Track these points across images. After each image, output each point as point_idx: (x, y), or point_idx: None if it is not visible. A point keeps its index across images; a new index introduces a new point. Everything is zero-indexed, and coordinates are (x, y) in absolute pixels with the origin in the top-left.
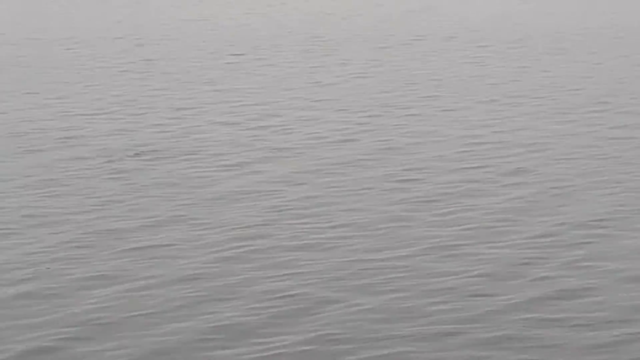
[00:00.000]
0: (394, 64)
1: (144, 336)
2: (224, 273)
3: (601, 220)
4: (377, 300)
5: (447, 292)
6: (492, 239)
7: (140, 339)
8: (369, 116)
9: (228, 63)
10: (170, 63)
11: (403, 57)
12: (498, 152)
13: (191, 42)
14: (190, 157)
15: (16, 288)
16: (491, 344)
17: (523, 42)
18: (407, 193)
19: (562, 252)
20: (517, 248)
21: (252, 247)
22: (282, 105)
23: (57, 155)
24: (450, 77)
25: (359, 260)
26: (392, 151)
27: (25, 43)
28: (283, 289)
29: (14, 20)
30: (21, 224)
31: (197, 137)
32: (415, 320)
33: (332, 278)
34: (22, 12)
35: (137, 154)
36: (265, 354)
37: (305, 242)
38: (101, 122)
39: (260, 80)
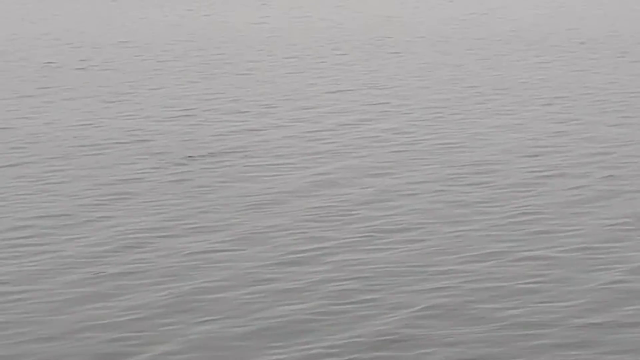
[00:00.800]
0: (457, 67)
1: (214, 338)
2: (293, 275)
3: None
4: (452, 302)
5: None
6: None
7: (210, 341)
8: (441, 117)
9: (288, 65)
10: (232, 65)
11: (466, 60)
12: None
13: (251, 45)
14: (256, 158)
15: (85, 288)
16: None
17: (586, 44)
18: (480, 192)
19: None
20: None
21: (321, 248)
22: (344, 107)
23: (121, 158)
24: (515, 79)
25: (436, 261)
26: (457, 151)
27: (87, 47)
28: (355, 289)
29: (75, 25)
30: (87, 226)
31: (262, 138)
32: (487, 324)
33: (403, 280)
34: (82, 16)
35: (203, 155)
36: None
37: (374, 242)
38: (165, 124)
39: (321, 81)
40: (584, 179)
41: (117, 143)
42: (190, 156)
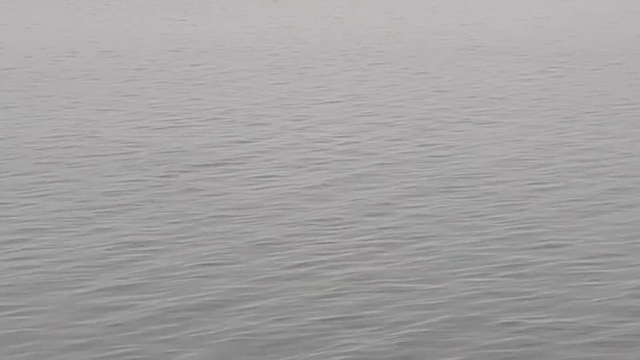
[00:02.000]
0: (449, 78)
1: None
2: (288, 289)
3: None
4: (456, 317)
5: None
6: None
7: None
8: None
9: (274, 75)
10: (217, 75)
11: (450, 71)
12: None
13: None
14: (244, 169)
15: (75, 301)
16: None
17: (571, 56)
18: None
19: None
20: None
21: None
22: (331, 118)
23: (106, 169)
24: (500, 90)
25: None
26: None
27: (70, 57)
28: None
29: (58, 34)
30: (74, 238)
31: (249, 148)
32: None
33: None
34: (65, 26)
35: (190, 166)
36: None
37: (370, 255)
38: (151, 135)
39: (308, 91)
40: (584, 189)
41: (102, 154)
42: (171, 171)
